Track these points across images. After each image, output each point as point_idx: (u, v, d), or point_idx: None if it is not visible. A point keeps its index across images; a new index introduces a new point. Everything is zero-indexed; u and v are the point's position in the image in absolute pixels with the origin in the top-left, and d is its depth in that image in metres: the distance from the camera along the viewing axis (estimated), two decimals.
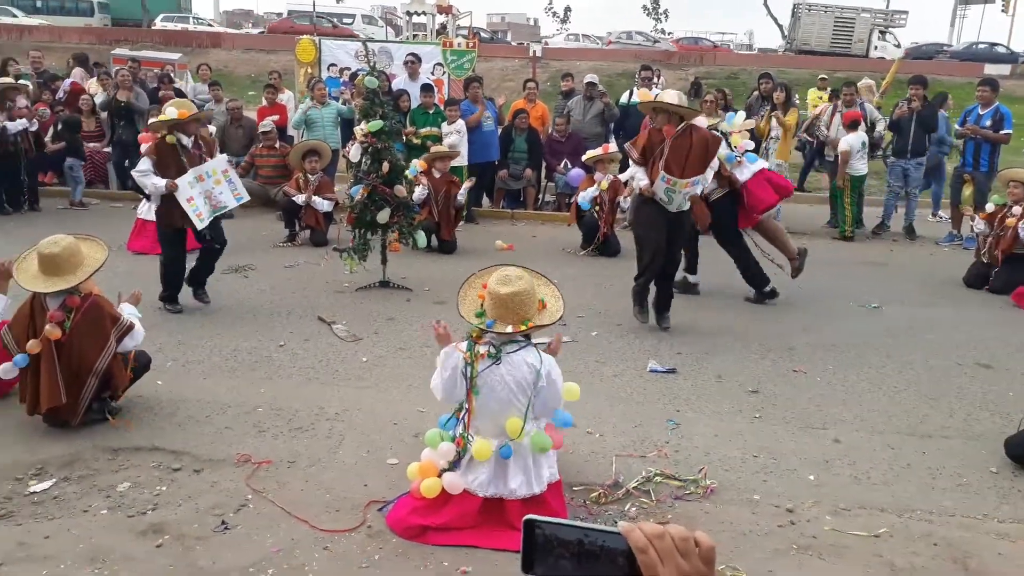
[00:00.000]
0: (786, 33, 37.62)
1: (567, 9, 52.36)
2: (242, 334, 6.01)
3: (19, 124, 9.55)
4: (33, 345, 4.26)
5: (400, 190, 7.07)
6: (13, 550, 3.33)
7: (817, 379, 5.54)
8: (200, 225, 6.24)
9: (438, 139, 9.74)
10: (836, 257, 9.26)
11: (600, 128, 10.82)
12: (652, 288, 6.42)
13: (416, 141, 9.72)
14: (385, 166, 6.94)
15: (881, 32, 33.12)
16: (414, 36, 16.31)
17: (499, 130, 10.68)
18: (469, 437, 3.58)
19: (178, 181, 6.11)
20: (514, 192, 11.06)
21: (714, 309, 6.98)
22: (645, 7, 48.89)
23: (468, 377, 3.58)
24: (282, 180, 9.65)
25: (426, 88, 10.37)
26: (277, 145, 10.23)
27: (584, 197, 8.80)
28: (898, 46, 32.45)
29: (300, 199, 8.85)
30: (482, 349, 3.61)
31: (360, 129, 7.02)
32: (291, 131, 10.95)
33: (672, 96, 5.96)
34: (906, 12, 35.44)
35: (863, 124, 10.02)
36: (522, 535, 0.96)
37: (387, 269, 7.33)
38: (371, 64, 7.48)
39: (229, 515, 3.63)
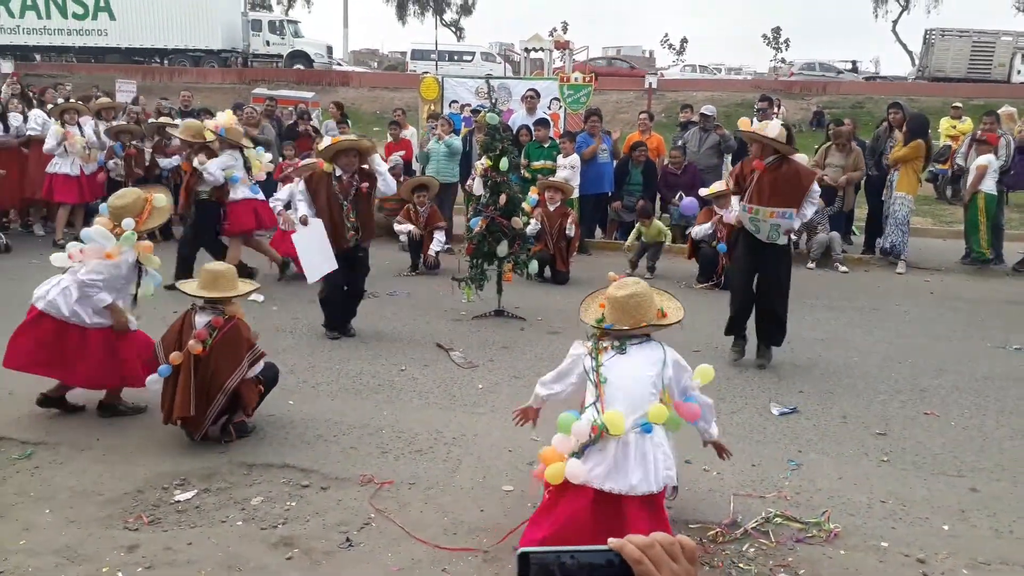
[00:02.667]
0: (917, 60, 35.98)
1: (683, 40, 52.07)
2: (366, 358, 6.28)
3: (173, 160, 10.35)
4: (176, 356, 4.60)
5: (517, 221, 7.23)
6: (161, 554, 3.61)
7: (952, 423, 5.24)
8: (310, 279, 6.62)
9: (551, 172, 9.89)
10: (973, 295, 8.73)
11: (716, 160, 10.69)
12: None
13: (527, 175, 9.89)
14: (502, 198, 7.14)
15: None
16: (534, 73, 16.63)
17: (614, 162, 10.74)
18: (603, 424, 3.50)
19: (312, 220, 6.47)
20: (627, 224, 11.05)
21: (839, 347, 6.73)
22: (765, 36, 48.05)
23: (594, 368, 3.65)
24: None
25: (541, 122, 10.57)
26: (401, 179, 10.65)
27: (699, 233, 8.72)
28: None
29: (405, 228, 9.35)
30: (605, 343, 3.71)
31: (480, 164, 7.27)
32: (416, 165, 11.45)
33: (773, 129, 5.89)
34: None
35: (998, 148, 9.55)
36: (517, 570, 0.97)
37: (502, 298, 7.49)
38: (492, 100, 7.74)
39: (353, 532, 3.80)
